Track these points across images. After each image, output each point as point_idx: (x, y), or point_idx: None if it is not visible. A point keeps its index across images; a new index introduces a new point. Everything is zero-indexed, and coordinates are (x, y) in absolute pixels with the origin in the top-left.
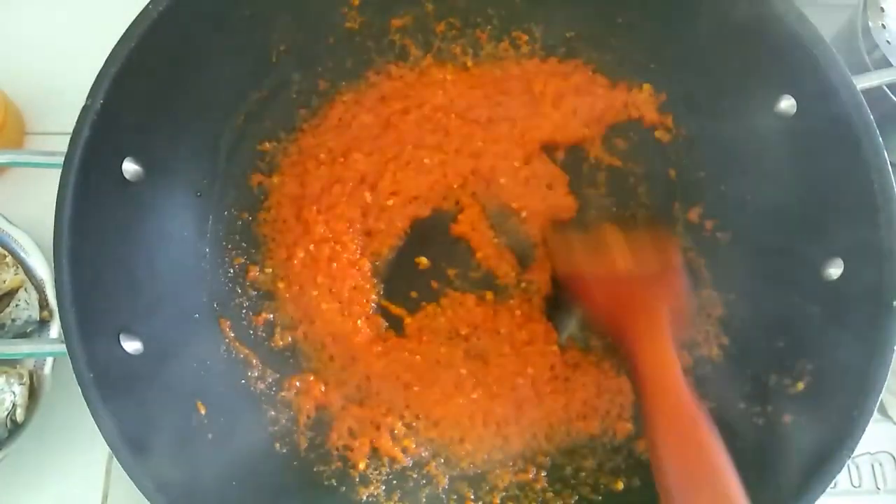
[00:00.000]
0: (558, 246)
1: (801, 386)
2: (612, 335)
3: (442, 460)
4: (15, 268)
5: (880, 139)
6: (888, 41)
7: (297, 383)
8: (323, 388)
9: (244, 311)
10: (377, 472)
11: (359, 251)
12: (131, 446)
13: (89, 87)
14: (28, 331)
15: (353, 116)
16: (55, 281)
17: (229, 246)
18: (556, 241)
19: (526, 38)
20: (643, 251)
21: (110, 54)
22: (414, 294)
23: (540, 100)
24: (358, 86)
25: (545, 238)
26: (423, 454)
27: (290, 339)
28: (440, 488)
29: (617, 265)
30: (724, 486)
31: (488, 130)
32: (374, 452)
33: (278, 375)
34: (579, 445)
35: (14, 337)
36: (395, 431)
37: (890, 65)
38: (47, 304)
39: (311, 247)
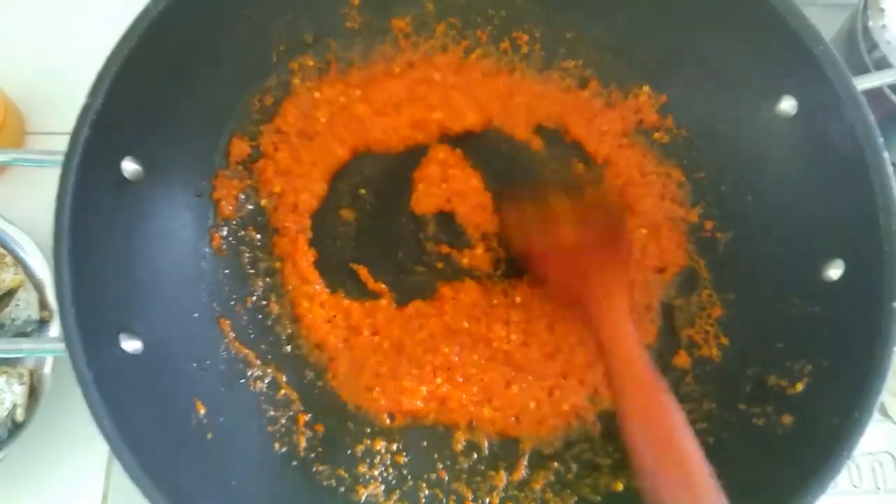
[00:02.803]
0: (510, 222)
1: (800, 386)
2: (571, 309)
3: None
4: (14, 267)
5: (881, 139)
6: (888, 41)
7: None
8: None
9: (244, 310)
10: (376, 472)
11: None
12: (131, 446)
13: (89, 87)
14: (28, 330)
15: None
16: (55, 281)
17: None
18: (508, 217)
19: (526, 38)
20: (591, 219)
21: (110, 54)
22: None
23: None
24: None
25: (499, 217)
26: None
27: (290, 338)
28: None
29: (565, 235)
30: (682, 445)
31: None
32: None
33: (278, 375)
34: (578, 444)
35: (14, 337)
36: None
37: (890, 65)
38: (47, 304)
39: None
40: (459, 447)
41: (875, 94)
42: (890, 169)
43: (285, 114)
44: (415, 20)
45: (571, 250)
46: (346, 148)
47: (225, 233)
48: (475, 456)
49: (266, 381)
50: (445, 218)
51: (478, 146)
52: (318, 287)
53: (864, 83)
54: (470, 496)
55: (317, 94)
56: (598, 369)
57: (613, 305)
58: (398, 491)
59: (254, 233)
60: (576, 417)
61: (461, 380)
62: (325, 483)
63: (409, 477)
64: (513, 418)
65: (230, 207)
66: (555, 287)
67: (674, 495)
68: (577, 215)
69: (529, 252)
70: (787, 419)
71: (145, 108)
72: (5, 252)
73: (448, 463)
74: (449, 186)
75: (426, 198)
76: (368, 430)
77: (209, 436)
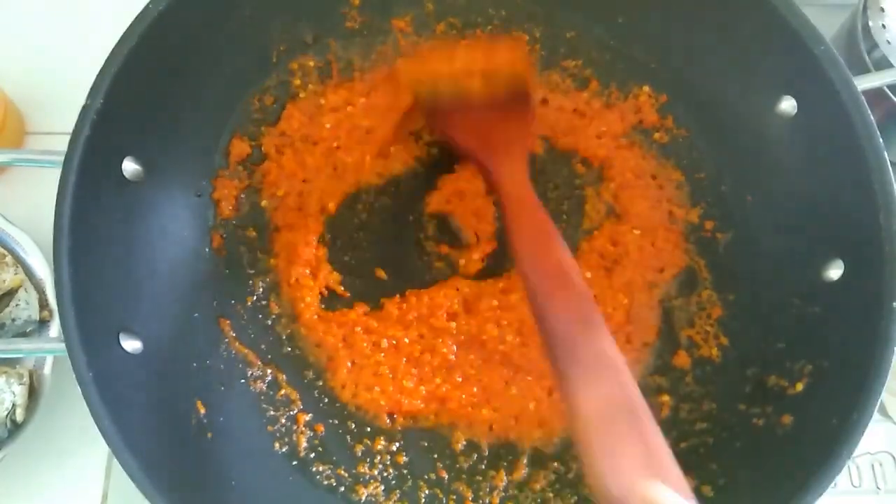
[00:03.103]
0: (420, 83)
1: (800, 386)
2: (476, 161)
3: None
4: (15, 267)
5: (881, 139)
6: (888, 41)
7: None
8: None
9: (244, 310)
10: (376, 472)
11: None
12: (131, 446)
13: (89, 87)
14: (28, 330)
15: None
16: (55, 281)
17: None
18: (418, 77)
19: (526, 37)
20: (497, 71)
21: (110, 54)
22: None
23: None
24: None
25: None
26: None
27: (290, 338)
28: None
29: (471, 89)
30: (559, 255)
31: None
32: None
33: (278, 375)
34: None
35: (14, 336)
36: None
37: (890, 65)
38: (47, 304)
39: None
40: (459, 447)
41: (875, 94)
42: (890, 169)
43: (290, 118)
44: (415, 20)
45: (476, 107)
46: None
47: (225, 233)
48: (475, 456)
49: (266, 380)
50: (444, 218)
51: None
52: (318, 286)
53: (864, 83)
54: (470, 496)
55: (322, 101)
56: None
57: (511, 153)
58: (398, 491)
59: (254, 233)
60: None
61: (460, 380)
62: (325, 483)
63: (409, 477)
64: (512, 419)
65: (230, 207)
66: (460, 139)
67: (553, 298)
68: (485, 77)
69: (439, 112)
70: (787, 419)
71: (145, 108)
72: (5, 252)
73: (448, 462)
74: (451, 187)
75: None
76: (368, 430)
77: (209, 435)
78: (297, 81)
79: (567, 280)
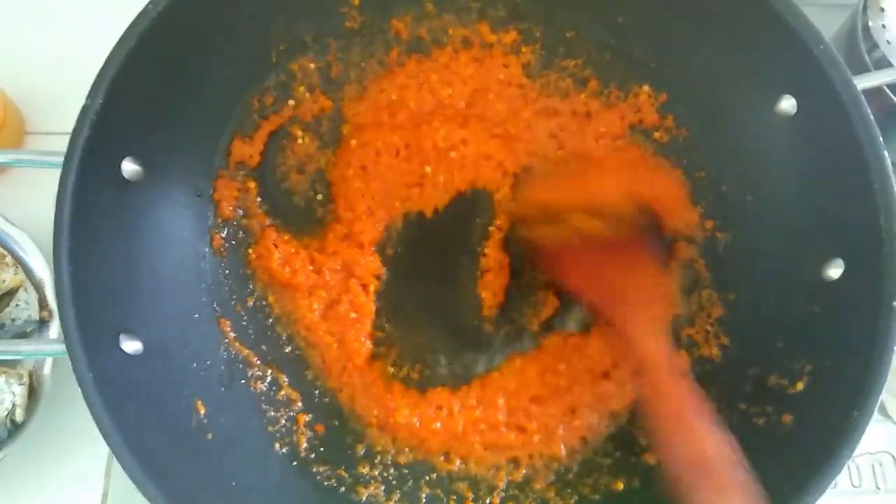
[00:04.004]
0: (529, 220)
1: (800, 386)
2: (602, 317)
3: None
4: (15, 267)
5: (881, 139)
6: (888, 41)
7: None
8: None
9: (244, 311)
10: (377, 472)
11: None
12: (131, 446)
13: (89, 87)
14: (28, 330)
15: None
16: (55, 282)
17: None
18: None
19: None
20: (608, 215)
21: (110, 54)
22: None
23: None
24: (358, 85)
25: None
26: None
27: (290, 338)
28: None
29: (586, 228)
30: (706, 441)
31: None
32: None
33: (279, 375)
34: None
35: (14, 336)
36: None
37: (890, 65)
38: (47, 304)
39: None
40: None
41: (875, 94)
42: (890, 169)
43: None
44: (415, 20)
45: (595, 246)
46: None
47: (225, 233)
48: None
49: (266, 381)
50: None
51: None
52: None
53: (864, 83)
54: (470, 496)
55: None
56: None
57: (648, 309)
58: (399, 491)
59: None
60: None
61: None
62: (325, 483)
63: (410, 477)
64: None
65: (230, 208)
66: (580, 289)
67: (699, 490)
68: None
69: (549, 250)
70: (788, 419)
71: (145, 108)
72: (5, 252)
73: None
74: None
75: None
76: (369, 430)
77: (209, 436)
78: (297, 81)
79: (711, 472)
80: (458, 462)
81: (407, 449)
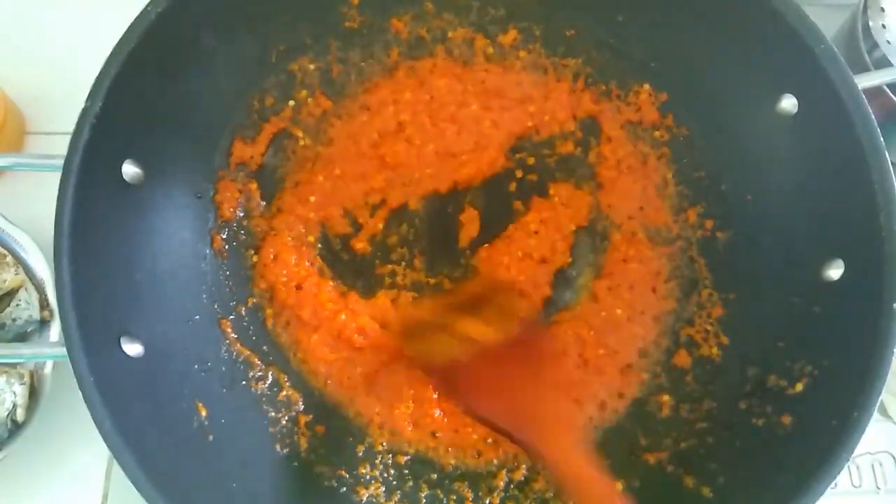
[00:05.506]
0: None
1: (800, 386)
2: (517, 443)
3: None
4: (15, 268)
5: (881, 139)
6: (888, 41)
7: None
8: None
9: (245, 312)
10: (377, 472)
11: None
12: (131, 448)
13: (89, 88)
14: (28, 330)
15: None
16: (55, 283)
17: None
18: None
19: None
20: (491, 315)
21: (110, 55)
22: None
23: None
24: (357, 85)
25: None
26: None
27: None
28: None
29: (473, 334)
30: None
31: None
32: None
33: (280, 376)
34: None
35: (14, 336)
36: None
37: (890, 64)
38: (47, 304)
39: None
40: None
41: (875, 94)
42: (890, 168)
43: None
44: (414, 19)
45: (492, 362)
46: None
47: (225, 234)
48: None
49: (267, 382)
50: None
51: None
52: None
53: (864, 82)
54: (470, 496)
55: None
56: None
57: (559, 423)
58: (399, 492)
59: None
60: None
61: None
62: (326, 484)
63: (410, 477)
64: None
65: (231, 209)
66: (488, 415)
67: None
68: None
69: (446, 374)
70: (787, 419)
71: (144, 110)
72: (6, 252)
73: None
74: None
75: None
76: (370, 430)
77: (210, 437)
78: (297, 81)
79: None
80: (456, 460)
81: (407, 445)
